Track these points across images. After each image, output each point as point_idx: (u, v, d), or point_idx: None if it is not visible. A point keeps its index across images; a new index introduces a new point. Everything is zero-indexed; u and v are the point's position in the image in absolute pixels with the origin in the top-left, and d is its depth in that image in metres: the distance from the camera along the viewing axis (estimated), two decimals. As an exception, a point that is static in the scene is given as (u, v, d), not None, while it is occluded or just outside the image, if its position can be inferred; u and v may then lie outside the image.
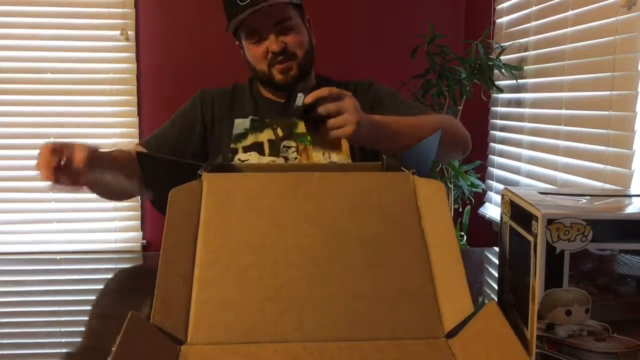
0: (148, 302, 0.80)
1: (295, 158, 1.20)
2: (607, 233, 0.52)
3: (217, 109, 1.27)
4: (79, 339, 0.72)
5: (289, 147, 1.21)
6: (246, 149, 1.21)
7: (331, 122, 0.94)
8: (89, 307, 0.82)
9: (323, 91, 0.95)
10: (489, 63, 1.88)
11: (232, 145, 1.21)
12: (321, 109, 0.94)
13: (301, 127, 1.22)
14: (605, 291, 0.52)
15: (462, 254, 0.54)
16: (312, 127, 0.98)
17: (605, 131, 1.42)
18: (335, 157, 1.20)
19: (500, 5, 2.05)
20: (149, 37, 2.29)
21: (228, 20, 1.19)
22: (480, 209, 2.17)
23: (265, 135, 1.22)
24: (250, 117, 1.24)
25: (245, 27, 1.19)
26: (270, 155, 1.21)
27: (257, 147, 1.21)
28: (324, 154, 1.20)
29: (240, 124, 1.23)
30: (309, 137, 1.21)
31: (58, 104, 2.26)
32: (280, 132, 1.22)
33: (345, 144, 1.21)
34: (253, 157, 1.20)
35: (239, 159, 1.21)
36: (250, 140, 1.22)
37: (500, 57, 1.91)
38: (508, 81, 1.95)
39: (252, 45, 1.20)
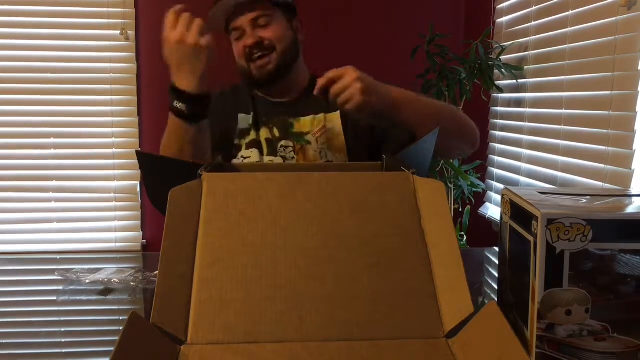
0: (148, 302, 0.81)
1: (293, 157, 1.21)
2: (607, 233, 0.52)
3: (225, 105, 1.28)
4: (79, 339, 0.72)
5: (286, 147, 1.22)
6: (248, 146, 1.22)
7: (339, 100, 0.99)
8: (88, 307, 0.82)
9: (321, 81, 1.01)
10: (489, 63, 1.88)
11: (237, 142, 1.23)
12: (332, 92, 1.00)
13: (297, 127, 1.23)
14: (605, 291, 0.52)
15: (462, 254, 0.54)
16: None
17: (605, 131, 1.42)
18: (331, 156, 1.21)
19: (500, 5, 2.05)
20: (149, 37, 2.29)
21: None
22: (480, 209, 2.17)
23: (264, 134, 1.23)
24: (252, 112, 1.25)
25: (229, 25, 1.22)
26: (268, 155, 1.21)
27: (258, 145, 1.22)
28: (320, 152, 1.21)
29: (244, 119, 1.25)
30: (306, 137, 1.22)
31: (58, 104, 2.26)
32: (276, 132, 1.23)
33: (341, 140, 1.22)
34: (254, 155, 1.21)
35: (242, 156, 1.22)
36: (252, 136, 1.23)
37: (500, 57, 1.91)
38: (508, 81, 1.95)
39: (235, 42, 1.23)
